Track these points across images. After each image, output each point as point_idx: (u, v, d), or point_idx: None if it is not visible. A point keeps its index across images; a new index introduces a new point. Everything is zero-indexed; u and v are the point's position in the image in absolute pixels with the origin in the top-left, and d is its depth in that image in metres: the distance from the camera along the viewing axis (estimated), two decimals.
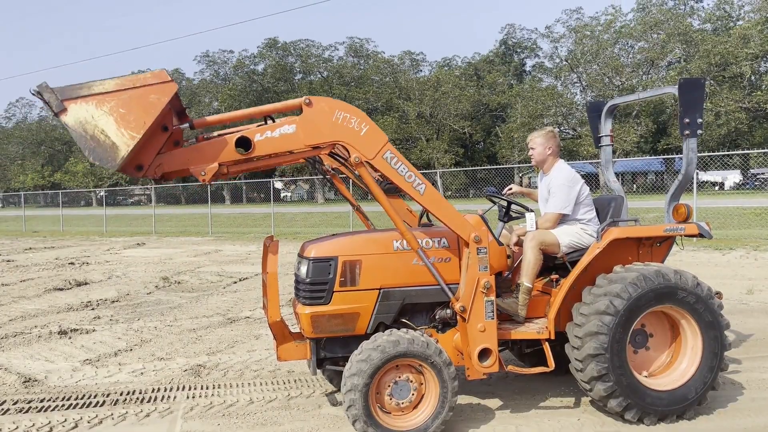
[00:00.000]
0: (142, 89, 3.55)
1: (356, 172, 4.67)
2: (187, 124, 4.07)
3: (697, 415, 4.48)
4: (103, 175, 62.75)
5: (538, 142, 4.99)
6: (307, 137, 3.97)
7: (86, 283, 11.86)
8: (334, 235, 4.90)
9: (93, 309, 9.29)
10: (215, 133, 5.11)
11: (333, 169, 5.25)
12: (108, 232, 29.06)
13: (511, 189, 5.17)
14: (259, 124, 4.58)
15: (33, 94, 3.51)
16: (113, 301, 9.87)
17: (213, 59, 62.86)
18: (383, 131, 4.15)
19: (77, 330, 7.75)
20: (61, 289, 11.18)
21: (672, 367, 4.54)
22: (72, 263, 15.53)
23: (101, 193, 58.17)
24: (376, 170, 4.20)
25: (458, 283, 4.39)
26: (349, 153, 4.04)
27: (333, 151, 4.25)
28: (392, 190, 4.80)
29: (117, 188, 57.98)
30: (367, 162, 4.05)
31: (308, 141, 3.97)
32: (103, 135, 3.50)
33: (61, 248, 20.81)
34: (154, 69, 3.80)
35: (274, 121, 4.14)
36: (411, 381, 4.13)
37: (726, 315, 4.61)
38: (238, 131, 4.03)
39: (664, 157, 21.62)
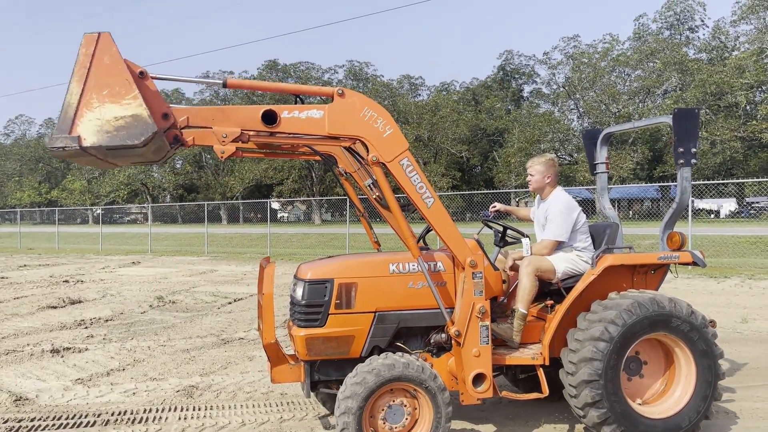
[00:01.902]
0: (93, 63, 3.52)
1: (365, 181, 4.70)
2: (220, 84, 4.05)
3: None
4: (100, 193, 62.79)
5: (538, 170, 5.04)
6: (332, 126, 3.98)
7: (80, 302, 11.81)
8: (330, 257, 4.92)
9: (86, 327, 9.24)
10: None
11: (346, 173, 5.23)
12: (103, 250, 28.98)
13: (495, 207, 5.23)
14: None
15: (51, 152, 3.54)
16: (107, 320, 9.83)
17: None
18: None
19: (70, 349, 7.71)
20: (55, 307, 11.13)
21: (666, 395, 4.54)
22: (66, 281, 15.46)
23: (98, 211, 58.19)
24: (389, 175, 4.21)
25: (453, 308, 4.39)
26: (368, 151, 4.06)
27: (352, 147, 4.26)
28: (385, 207, 4.84)
29: (114, 206, 57.96)
30: (382, 164, 4.07)
31: (332, 130, 3.98)
32: (119, 120, 3.51)
33: (55, 266, 20.73)
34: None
35: (303, 102, 4.16)
36: (405, 405, 4.12)
37: (720, 343, 4.62)
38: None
39: (660, 184, 21.71)
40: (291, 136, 4.06)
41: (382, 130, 4.04)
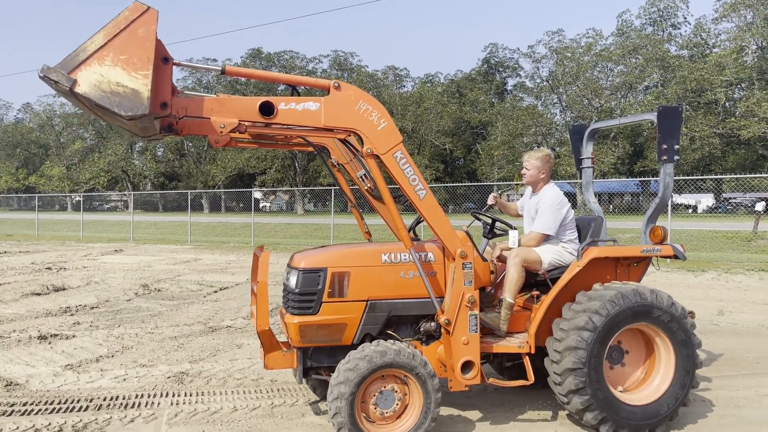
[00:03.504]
0: (128, 29, 3.56)
1: (358, 173, 4.79)
2: (219, 70, 4.10)
3: (668, 430, 4.64)
4: (80, 179, 62.01)
5: (534, 165, 5.15)
6: (328, 118, 4.06)
7: (64, 289, 11.77)
8: (323, 246, 5.01)
9: (72, 315, 9.24)
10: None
11: (338, 164, 5.31)
12: (85, 238, 28.72)
13: (494, 198, 5.36)
14: None
15: (41, 79, 3.53)
16: (92, 308, 9.83)
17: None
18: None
19: (57, 335, 7.72)
20: (39, 294, 11.09)
21: (646, 382, 4.71)
22: (49, 268, 15.36)
23: (77, 198, 57.44)
24: (383, 166, 4.30)
25: (443, 297, 4.52)
26: (362, 144, 4.16)
27: (347, 139, 4.35)
28: (377, 197, 4.93)
29: (93, 194, 57.30)
30: (376, 156, 4.16)
31: (328, 122, 4.07)
32: (120, 87, 3.53)
33: (36, 252, 20.54)
34: None
35: (299, 94, 4.22)
36: (396, 391, 4.24)
37: (697, 334, 4.80)
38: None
39: (641, 179, 22.09)
40: (287, 127, 4.13)
41: (377, 123, 4.13)
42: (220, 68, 4.09)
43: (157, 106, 3.69)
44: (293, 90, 4.30)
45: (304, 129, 4.18)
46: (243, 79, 59.57)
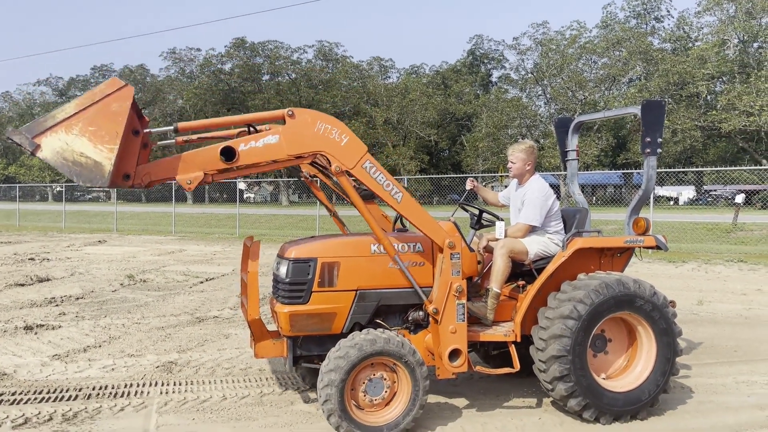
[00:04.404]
0: (102, 102, 3.65)
1: (335, 179, 4.86)
2: (171, 129, 4.17)
3: (649, 416, 4.77)
4: None
5: (519, 157, 5.22)
6: (290, 147, 4.13)
7: (48, 279, 11.70)
8: (313, 237, 5.07)
9: (57, 305, 9.20)
10: (194, 136, 5.24)
11: (311, 176, 5.43)
12: (67, 228, 28.46)
13: (473, 183, 5.46)
14: (240, 130, 4.75)
15: (7, 140, 3.63)
16: (78, 298, 9.79)
17: (179, 56, 62.04)
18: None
19: (43, 326, 7.70)
20: (23, 285, 11.02)
21: (628, 370, 4.83)
22: (32, 259, 15.24)
23: (57, 189, 56.73)
24: (352, 177, 4.38)
25: (431, 287, 4.60)
26: (330, 162, 4.21)
27: (314, 160, 4.41)
28: (368, 195, 4.99)
29: (74, 184, 56.45)
30: (347, 172, 4.22)
31: (291, 151, 4.13)
32: (83, 157, 3.60)
33: (18, 243, 20.34)
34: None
35: (256, 130, 4.28)
36: (385, 379, 4.32)
37: (678, 324, 4.92)
38: (217, 138, 4.17)
39: (623, 171, 22.32)
40: (253, 165, 4.18)
41: (339, 139, 4.19)
42: (173, 128, 4.18)
43: (119, 178, 3.79)
44: (249, 128, 4.37)
45: (270, 163, 4.25)
46: (227, 68, 59.44)
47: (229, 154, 4.04)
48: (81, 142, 3.60)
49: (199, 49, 61.83)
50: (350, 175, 4.28)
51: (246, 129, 4.48)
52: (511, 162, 5.27)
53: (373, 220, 4.44)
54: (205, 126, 4.40)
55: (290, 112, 4.11)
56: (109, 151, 3.61)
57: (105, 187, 3.73)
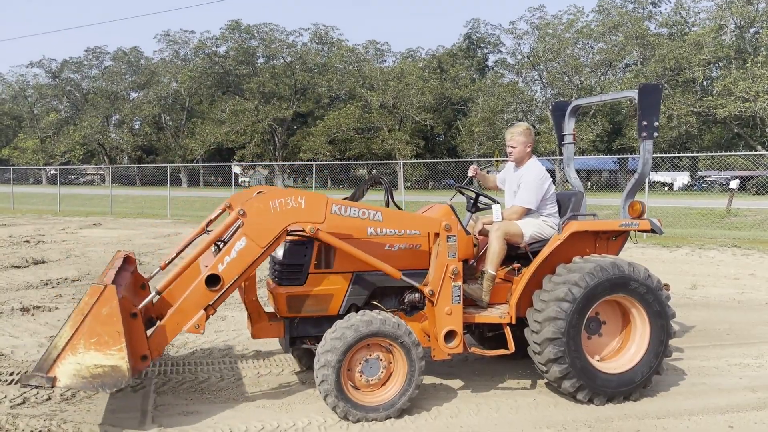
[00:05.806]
0: (92, 312, 3.78)
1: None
2: (153, 295, 4.48)
3: (642, 397, 4.83)
4: (55, 152, 60.98)
5: (520, 140, 5.21)
6: (261, 239, 4.18)
7: (44, 262, 11.68)
8: None
9: (53, 287, 9.21)
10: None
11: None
12: (62, 212, 28.36)
13: (474, 169, 5.40)
14: (209, 220, 5.38)
15: (23, 386, 3.83)
16: (74, 280, 9.80)
17: (174, 39, 61.64)
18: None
19: (40, 307, 7.71)
20: (18, 267, 11.01)
21: (621, 352, 4.89)
22: (27, 241, 15.20)
23: (52, 171, 56.49)
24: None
25: (427, 269, 4.62)
26: (302, 230, 4.26)
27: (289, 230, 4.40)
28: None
29: (69, 167, 56.38)
30: (319, 229, 4.26)
31: (263, 243, 4.18)
32: (99, 368, 3.73)
33: (13, 226, 20.27)
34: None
35: (225, 244, 4.34)
36: (381, 359, 4.36)
37: (671, 307, 4.97)
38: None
39: (619, 156, 22.38)
40: (243, 274, 4.24)
41: (297, 205, 4.25)
42: (154, 293, 4.47)
43: (138, 364, 3.95)
44: (216, 245, 4.50)
45: (255, 263, 4.25)
46: (222, 51, 59.02)
47: (213, 280, 4.14)
48: (91, 356, 3.74)
49: (193, 32, 61.71)
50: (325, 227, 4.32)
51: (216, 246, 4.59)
52: (512, 146, 5.26)
53: (372, 259, 4.44)
54: (184, 269, 4.48)
55: (241, 212, 4.16)
56: (119, 351, 3.76)
57: (127, 382, 3.83)
